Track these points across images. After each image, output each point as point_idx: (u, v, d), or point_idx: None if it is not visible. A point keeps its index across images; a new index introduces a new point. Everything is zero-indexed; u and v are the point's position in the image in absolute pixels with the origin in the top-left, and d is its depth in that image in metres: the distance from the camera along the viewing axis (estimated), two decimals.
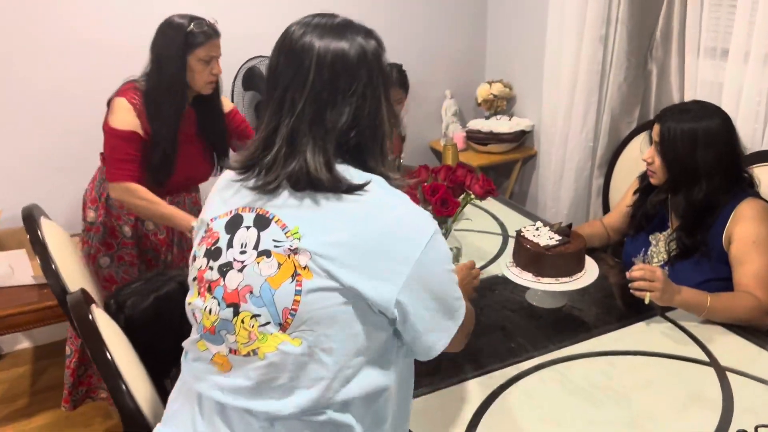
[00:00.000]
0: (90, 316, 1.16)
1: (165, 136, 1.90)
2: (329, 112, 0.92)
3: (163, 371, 1.37)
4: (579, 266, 1.58)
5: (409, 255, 0.90)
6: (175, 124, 1.91)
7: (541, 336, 1.50)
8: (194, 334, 0.99)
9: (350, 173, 0.93)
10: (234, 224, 0.95)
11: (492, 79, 3.41)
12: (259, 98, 2.96)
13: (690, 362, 1.39)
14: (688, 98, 2.20)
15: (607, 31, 2.44)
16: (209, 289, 0.94)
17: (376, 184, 0.94)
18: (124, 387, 1.09)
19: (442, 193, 1.58)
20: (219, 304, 0.93)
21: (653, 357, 1.41)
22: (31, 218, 1.66)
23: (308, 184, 0.91)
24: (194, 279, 0.98)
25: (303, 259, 0.88)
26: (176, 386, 1.04)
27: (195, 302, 0.97)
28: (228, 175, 1.02)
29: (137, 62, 1.97)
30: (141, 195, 1.89)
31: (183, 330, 1.18)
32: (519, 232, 1.64)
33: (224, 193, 1.01)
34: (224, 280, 0.93)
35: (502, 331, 1.53)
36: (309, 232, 0.89)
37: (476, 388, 1.33)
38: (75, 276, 1.70)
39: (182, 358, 1.04)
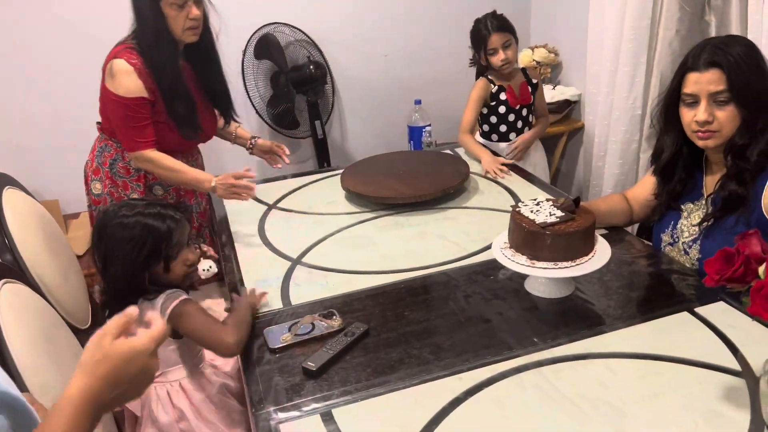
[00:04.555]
0: None
1: (178, 87, 1.81)
2: None
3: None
4: (584, 249, 1.30)
5: None
6: (179, 73, 1.83)
7: (530, 332, 1.24)
8: None
9: None
10: None
11: (536, 44, 3.09)
12: (276, 69, 2.80)
13: (715, 371, 1.09)
14: None
15: None
16: None
17: None
18: None
19: None
20: None
21: (667, 363, 1.12)
22: None
23: None
24: None
25: None
26: None
27: None
28: None
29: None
30: (162, 164, 1.84)
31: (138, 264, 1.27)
32: (514, 207, 1.38)
33: None
34: None
35: (486, 324, 1.29)
36: None
37: (438, 392, 1.10)
38: (38, 249, 1.60)
39: None
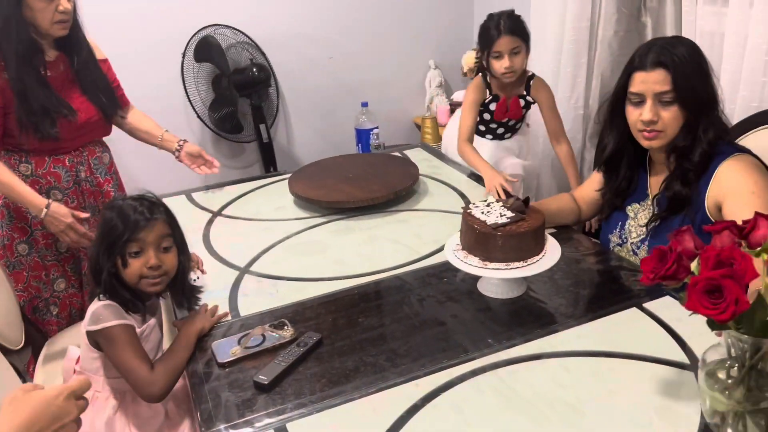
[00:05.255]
0: None
1: (29, 83, 1.68)
2: None
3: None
4: (535, 248, 1.31)
5: None
6: (30, 68, 1.70)
7: (485, 333, 1.24)
8: None
9: None
10: None
11: None
12: (217, 72, 2.73)
13: (665, 365, 1.11)
14: None
15: None
16: None
17: None
18: None
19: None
20: None
21: (620, 359, 1.14)
22: None
23: None
24: None
25: None
26: None
27: None
28: None
29: None
30: None
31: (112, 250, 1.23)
32: (465, 209, 1.37)
33: None
34: None
35: (441, 327, 1.27)
36: None
37: (395, 400, 1.08)
38: None
39: None
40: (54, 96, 1.75)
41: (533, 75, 2.05)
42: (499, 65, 1.95)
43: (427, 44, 3.21)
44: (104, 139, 1.99)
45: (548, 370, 1.12)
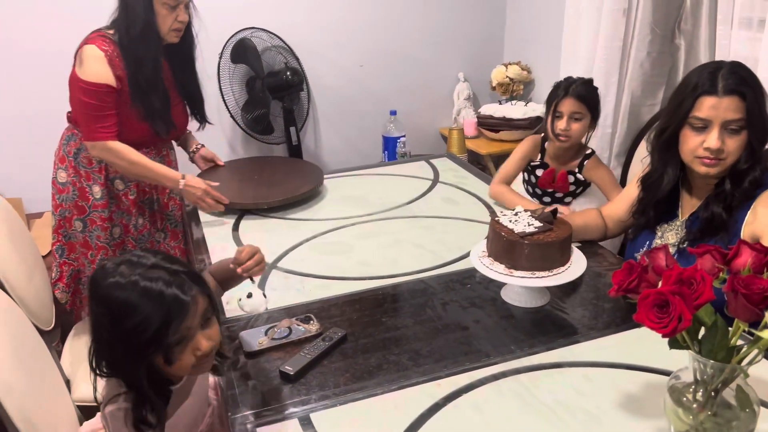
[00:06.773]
0: None
1: (158, 82, 1.84)
2: None
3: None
4: (561, 259, 1.32)
5: None
6: (160, 68, 1.85)
7: (508, 339, 1.26)
8: None
9: None
10: None
11: (509, 61, 3.15)
12: (252, 74, 2.79)
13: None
14: None
15: (630, 2, 2.15)
16: None
17: None
18: None
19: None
20: None
21: (641, 372, 1.15)
22: None
23: None
24: None
25: None
26: None
27: None
28: None
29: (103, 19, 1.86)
30: (123, 155, 1.84)
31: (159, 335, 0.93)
32: (494, 217, 1.39)
33: None
34: None
35: (463, 331, 1.29)
36: None
37: (417, 398, 1.10)
38: (3, 246, 1.54)
39: None
40: (169, 100, 1.90)
41: (591, 153, 1.93)
42: (556, 125, 1.86)
43: (458, 57, 3.24)
44: None
45: (569, 379, 1.14)
